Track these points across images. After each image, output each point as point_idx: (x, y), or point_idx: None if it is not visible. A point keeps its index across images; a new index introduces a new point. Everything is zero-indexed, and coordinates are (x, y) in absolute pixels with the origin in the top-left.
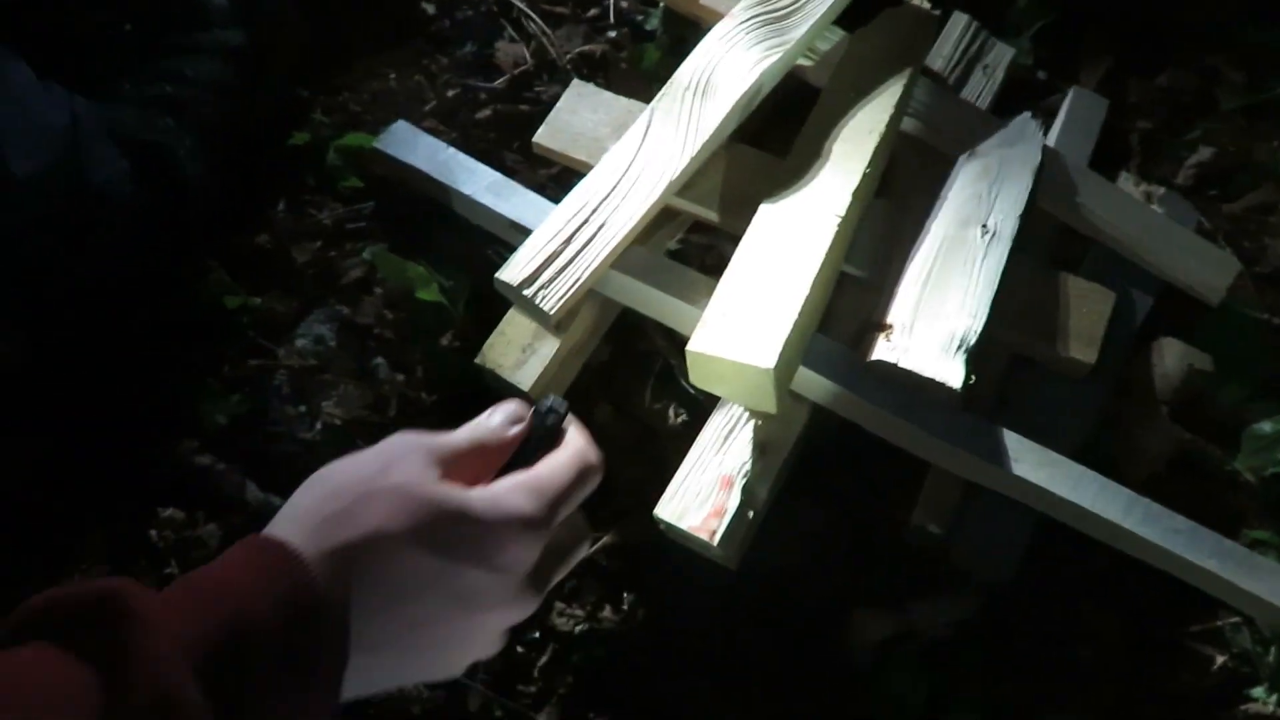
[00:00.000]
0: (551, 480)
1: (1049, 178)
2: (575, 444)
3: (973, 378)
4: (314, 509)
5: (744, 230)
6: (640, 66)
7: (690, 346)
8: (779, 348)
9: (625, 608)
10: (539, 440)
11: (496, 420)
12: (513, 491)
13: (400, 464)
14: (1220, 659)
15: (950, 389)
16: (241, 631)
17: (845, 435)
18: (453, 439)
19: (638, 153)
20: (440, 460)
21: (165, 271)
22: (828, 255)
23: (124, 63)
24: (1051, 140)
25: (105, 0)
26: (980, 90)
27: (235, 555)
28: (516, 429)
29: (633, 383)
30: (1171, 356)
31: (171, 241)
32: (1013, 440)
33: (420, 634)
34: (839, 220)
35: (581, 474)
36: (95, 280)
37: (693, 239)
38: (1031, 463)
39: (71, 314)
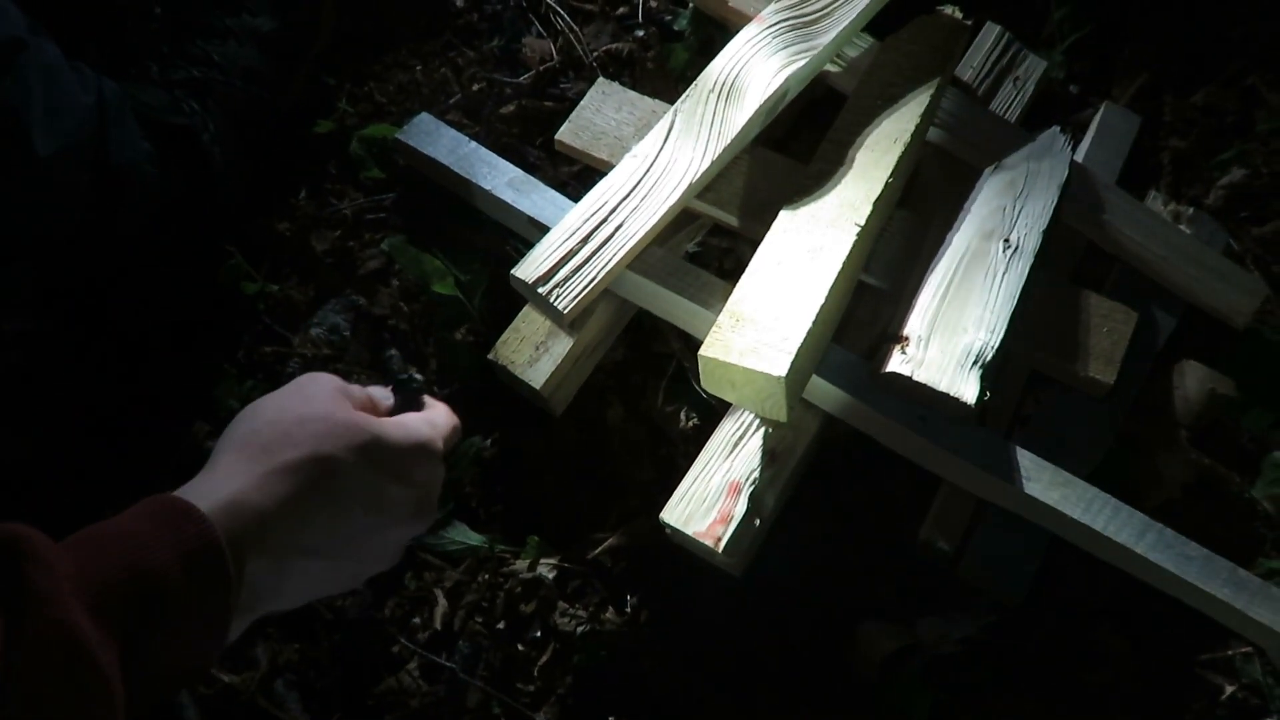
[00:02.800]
0: (438, 418)
1: (1076, 194)
2: (441, 404)
3: (988, 394)
4: (251, 438)
5: (763, 235)
6: (667, 67)
7: (703, 351)
8: (792, 356)
9: (629, 610)
10: (405, 405)
11: (377, 388)
12: (416, 420)
13: (321, 397)
14: (1230, 689)
15: (964, 404)
16: (142, 575)
17: (856, 446)
18: (352, 385)
19: (659, 154)
20: (348, 396)
21: (185, 255)
22: (846, 264)
23: (152, 45)
24: (1081, 156)
25: None
26: (1010, 102)
27: (137, 510)
28: (390, 399)
29: (645, 384)
30: (1193, 380)
31: (194, 225)
32: (1026, 459)
33: (347, 544)
34: (859, 229)
35: (455, 423)
36: (115, 261)
37: (711, 242)
38: (1045, 483)
39: (89, 294)
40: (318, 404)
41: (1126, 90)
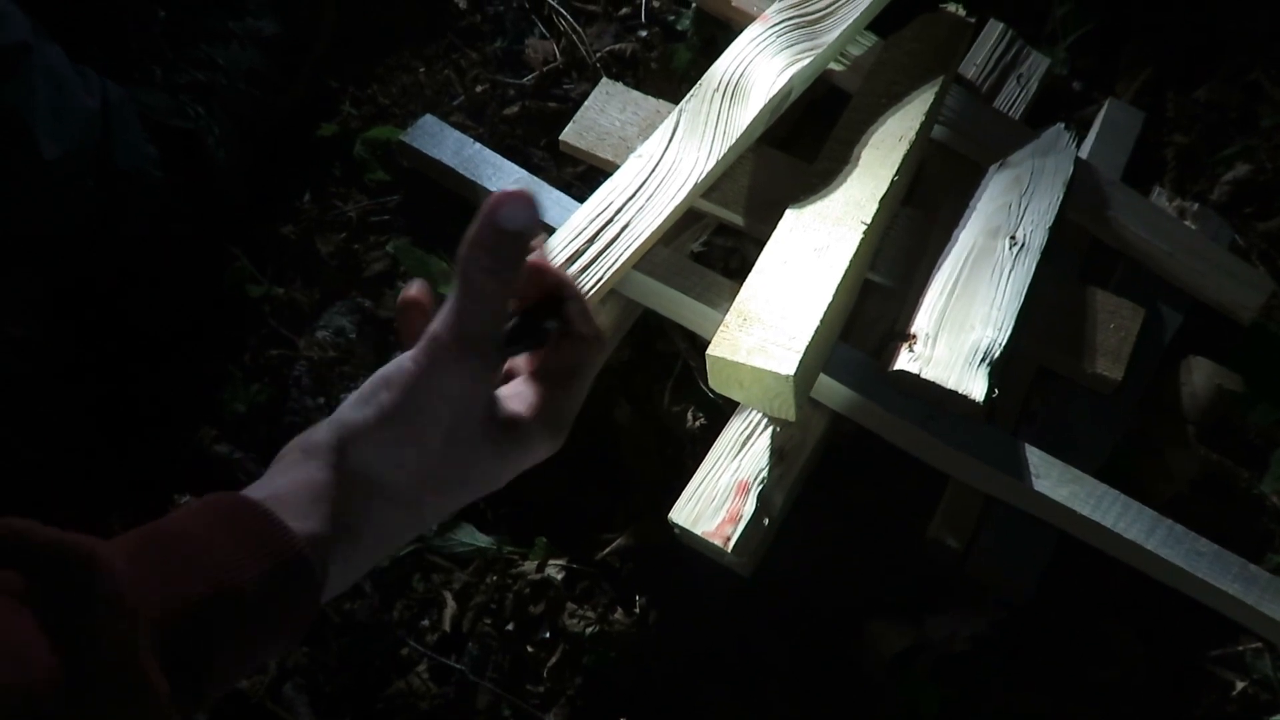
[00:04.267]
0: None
1: (1081, 190)
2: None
3: (995, 391)
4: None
5: (769, 234)
6: (670, 67)
7: (710, 351)
8: (800, 355)
9: (638, 611)
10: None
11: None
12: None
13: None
14: (1240, 684)
15: (972, 401)
16: (225, 593)
17: (864, 444)
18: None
19: (664, 153)
20: None
21: (190, 258)
22: (852, 262)
23: (156, 49)
24: (1085, 152)
25: None
26: (1013, 99)
27: (205, 514)
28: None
29: (652, 384)
30: (1200, 375)
31: (198, 227)
32: (1035, 456)
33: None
34: (865, 227)
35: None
36: (120, 264)
37: (717, 241)
38: (1054, 479)
39: (94, 298)
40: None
41: (1130, 86)
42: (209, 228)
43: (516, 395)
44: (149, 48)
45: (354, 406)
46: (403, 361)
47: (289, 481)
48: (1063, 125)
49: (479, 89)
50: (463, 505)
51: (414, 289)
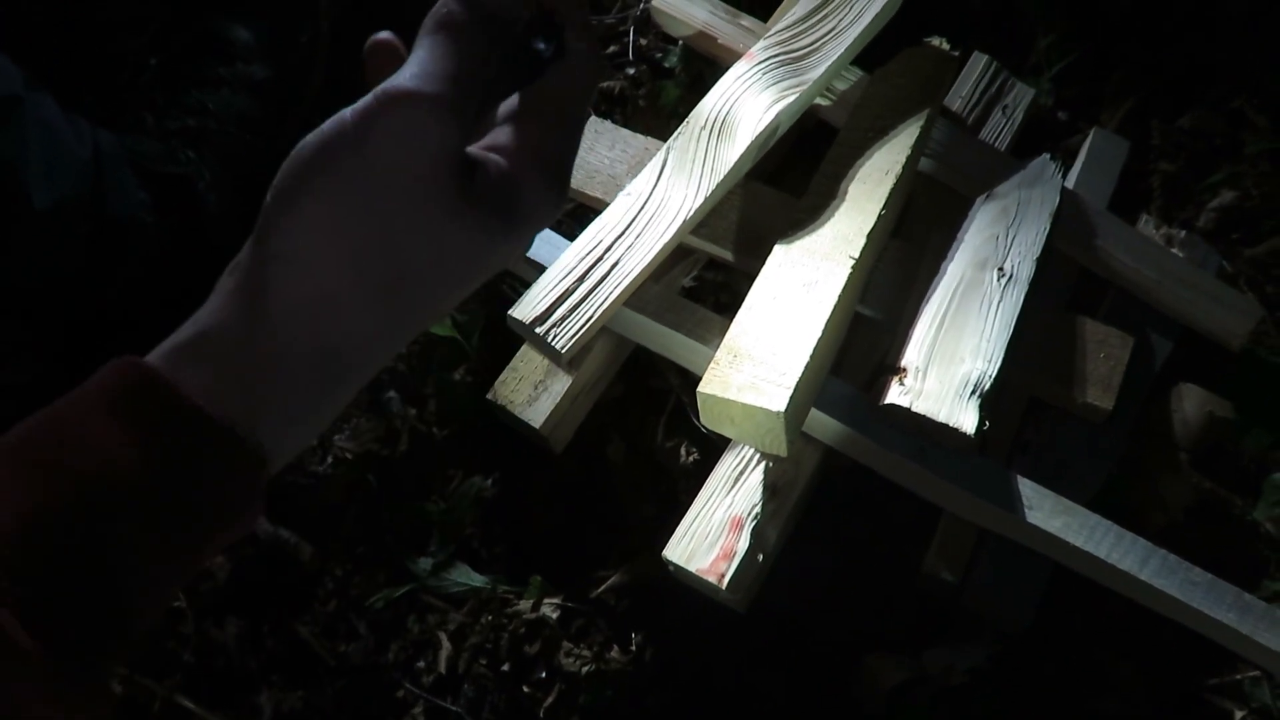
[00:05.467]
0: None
1: (1068, 220)
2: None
3: (986, 423)
4: None
5: (758, 269)
6: (659, 103)
7: (701, 388)
8: (790, 391)
9: (634, 649)
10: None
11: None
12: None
13: None
14: (1239, 714)
15: (963, 434)
16: (95, 491)
17: (858, 478)
18: None
19: (653, 191)
20: None
21: (182, 302)
22: (841, 297)
23: (147, 95)
24: (1071, 182)
25: (130, 33)
26: (999, 130)
27: (89, 399)
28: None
29: (645, 420)
30: (1191, 403)
31: (190, 271)
32: (1027, 487)
33: (383, 257)
34: (853, 262)
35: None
36: (114, 311)
37: (707, 276)
38: (1046, 511)
39: (88, 345)
40: None
41: (1115, 115)
42: (204, 272)
43: (496, 148)
44: (140, 94)
45: (281, 197)
46: (341, 117)
47: (209, 318)
48: (1048, 156)
49: None
50: (446, 309)
51: (385, 34)
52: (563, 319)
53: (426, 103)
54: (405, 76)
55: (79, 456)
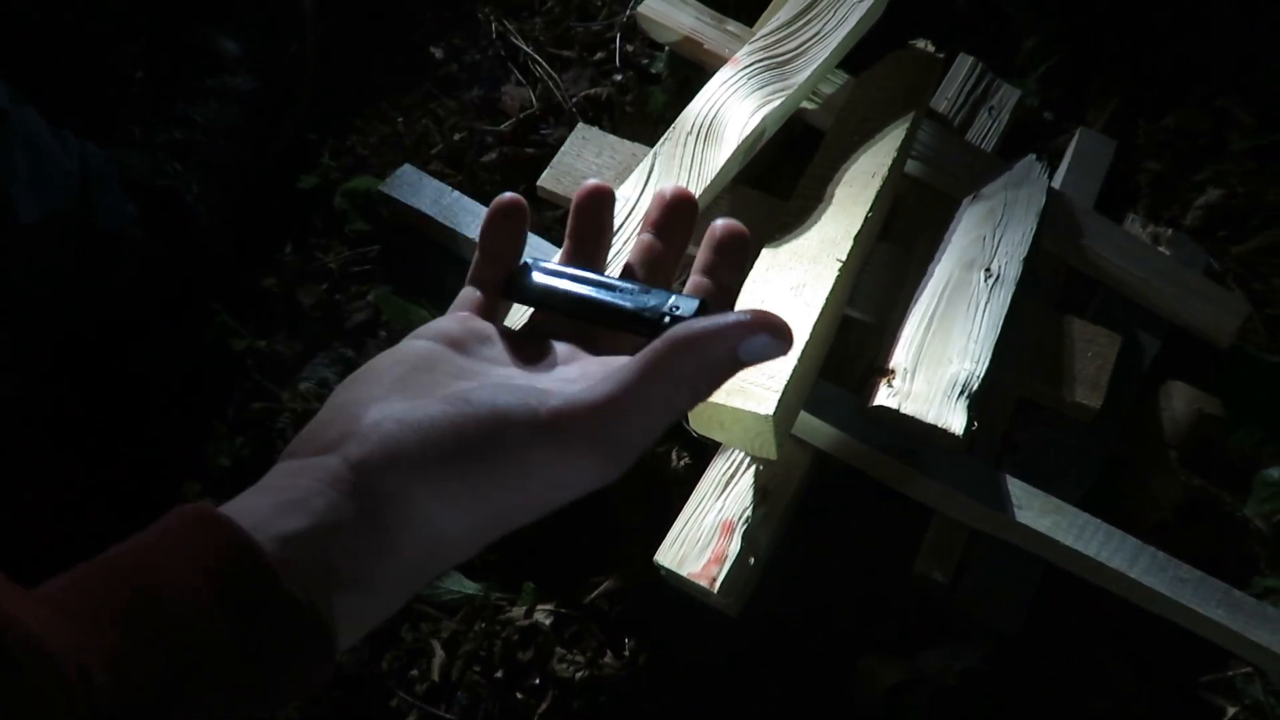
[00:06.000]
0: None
1: (1055, 220)
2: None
3: (975, 424)
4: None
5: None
6: (646, 110)
7: None
8: (779, 395)
9: (627, 654)
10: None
11: None
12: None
13: None
14: (1232, 710)
15: (952, 435)
16: (185, 657)
17: (849, 480)
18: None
19: (640, 196)
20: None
21: (173, 314)
22: (829, 299)
23: (135, 109)
24: (1058, 182)
25: (117, 47)
26: (986, 132)
27: (172, 541)
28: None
29: None
30: (1180, 400)
31: (180, 283)
32: (1017, 487)
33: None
34: (840, 264)
35: None
36: (103, 322)
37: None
38: (1035, 510)
39: (77, 356)
40: None
41: (1100, 115)
42: (193, 283)
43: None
44: (127, 108)
45: (394, 413)
46: (532, 407)
47: (326, 513)
48: (1034, 156)
49: (457, 137)
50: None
51: (511, 196)
52: None
53: (602, 449)
54: (604, 393)
55: (173, 618)
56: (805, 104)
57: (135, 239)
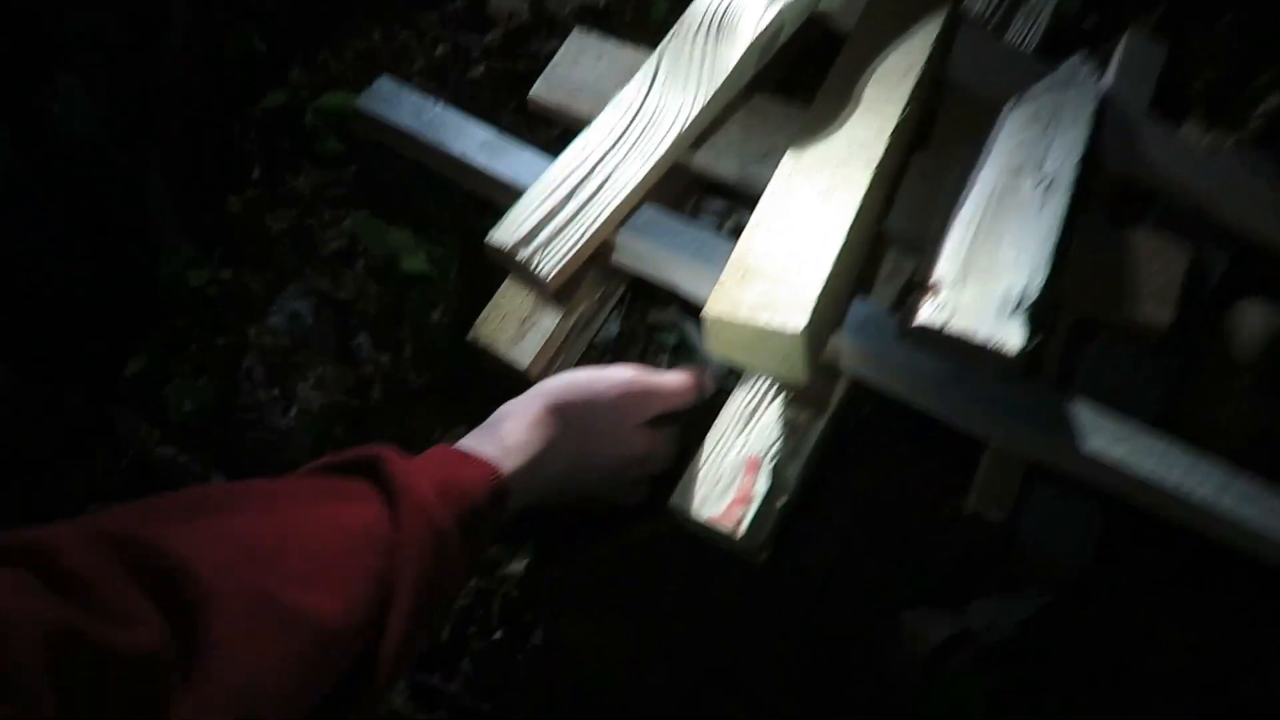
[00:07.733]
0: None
1: (1107, 125)
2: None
3: (1037, 338)
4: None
5: (764, 188)
6: (648, 18)
7: (707, 311)
8: (810, 308)
9: (637, 615)
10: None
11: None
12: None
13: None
14: None
15: (1007, 355)
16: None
17: (885, 413)
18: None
19: (645, 100)
20: None
21: (117, 244)
22: (862, 206)
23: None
24: (1104, 90)
25: None
26: (1023, 36)
27: (444, 458)
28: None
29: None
30: (1253, 319)
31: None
32: (1085, 412)
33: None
34: (873, 167)
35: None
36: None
37: (708, 205)
38: (1108, 437)
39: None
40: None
41: (1148, 19)
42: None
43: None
44: None
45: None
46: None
47: (541, 447)
48: (1080, 57)
49: (439, 51)
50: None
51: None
52: (547, 242)
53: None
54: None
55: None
56: (826, 4)
57: (5, 160)
